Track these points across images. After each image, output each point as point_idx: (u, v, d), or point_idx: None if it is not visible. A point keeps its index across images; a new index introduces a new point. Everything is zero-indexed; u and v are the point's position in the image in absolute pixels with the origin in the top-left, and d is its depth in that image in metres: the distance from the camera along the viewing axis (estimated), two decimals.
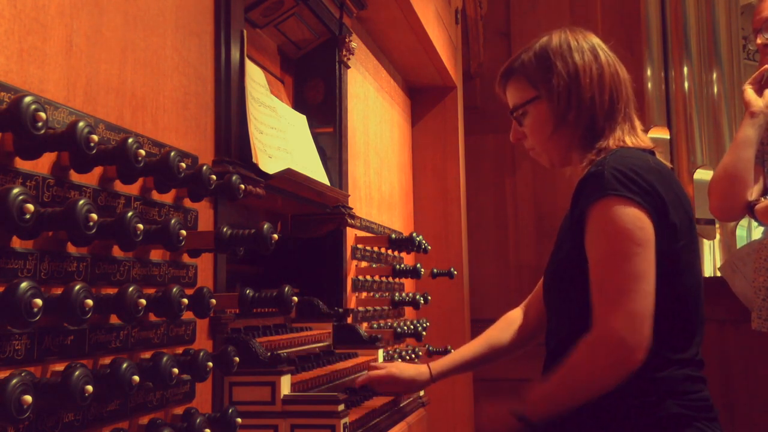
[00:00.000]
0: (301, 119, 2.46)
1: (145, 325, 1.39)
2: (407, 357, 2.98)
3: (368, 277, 2.86)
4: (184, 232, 1.31)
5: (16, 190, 1.00)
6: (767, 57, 2.70)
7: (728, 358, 4.10)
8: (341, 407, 1.74)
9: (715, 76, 4.87)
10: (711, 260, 4.67)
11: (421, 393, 2.54)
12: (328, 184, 2.45)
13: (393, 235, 2.99)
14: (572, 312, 1.64)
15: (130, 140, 1.22)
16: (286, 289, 1.59)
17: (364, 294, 2.83)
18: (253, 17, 2.26)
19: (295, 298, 1.60)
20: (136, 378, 1.18)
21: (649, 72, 4.74)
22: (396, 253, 3.22)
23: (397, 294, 3.12)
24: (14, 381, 0.96)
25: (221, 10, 1.74)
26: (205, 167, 1.43)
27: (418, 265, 3.02)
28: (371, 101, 3.18)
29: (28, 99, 1.03)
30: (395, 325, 3.04)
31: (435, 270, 3.30)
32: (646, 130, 4.73)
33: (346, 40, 2.61)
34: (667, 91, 4.81)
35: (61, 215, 1.07)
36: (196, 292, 1.41)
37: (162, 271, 1.45)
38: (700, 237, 4.54)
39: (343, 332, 2.43)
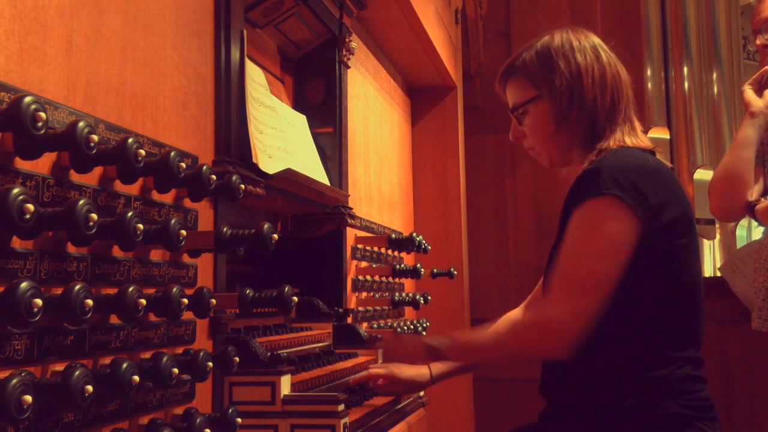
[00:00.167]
0: (301, 119, 2.46)
1: (145, 325, 1.39)
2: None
3: (368, 277, 2.86)
4: (184, 232, 1.31)
5: (16, 190, 1.00)
6: (767, 58, 2.70)
7: (728, 358, 4.10)
8: (341, 407, 1.74)
9: (715, 76, 4.87)
10: (711, 260, 4.67)
11: (421, 393, 2.54)
12: (328, 184, 2.45)
13: (393, 235, 2.99)
14: None
15: (130, 140, 1.22)
16: (286, 289, 1.59)
17: (364, 294, 2.83)
18: (253, 17, 2.26)
19: (295, 298, 1.60)
20: (136, 378, 1.18)
21: (649, 72, 4.73)
22: (396, 253, 3.22)
23: (397, 294, 3.12)
24: (14, 381, 0.96)
25: (221, 10, 1.74)
26: (205, 167, 1.43)
27: (418, 265, 3.02)
28: (371, 101, 3.18)
29: (28, 99, 1.03)
30: (395, 325, 3.03)
31: (435, 270, 3.30)
32: (646, 130, 4.74)
33: (346, 40, 2.61)
34: (667, 91, 4.80)
35: (61, 215, 1.07)
36: (196, 292, 1.41)
37: (162, 271, 1.45)
38: (700, 237, 4.56)
39: (343, 332, 2.43)
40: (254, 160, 1.84)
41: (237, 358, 1.51)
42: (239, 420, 1.53)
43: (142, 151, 1.23)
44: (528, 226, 4.88)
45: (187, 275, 1.55)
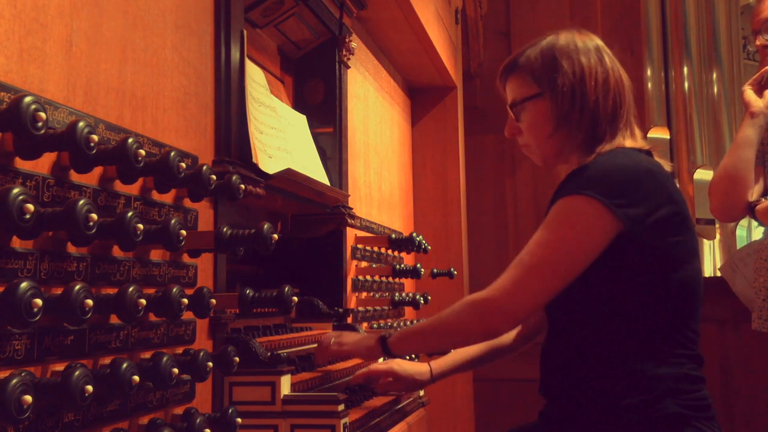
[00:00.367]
0: (301, 119, 2.46)
1: (145, 325, 1.39)
2: (407, 356, 2.98)
3: (368, 277, 2.86)
4: (184, 232, 1.31)
5: (16, 190, 1.00)
6: (767, 58, 2.70)
7: (728, 358, 4.10)
8: (341, 407, 1.74)
9: (715, 76, 4.87)
10: (711, 260, 4.67)
11: (421, 393, 2.54)
12: (328, 184, 2.45)
13: (393, 235, 2.99)
14: (570, 311, 1.64)
15: (130, 140, 1.22)
16: (286, 289, 1.59)
17: (364, 294, 2.83)
18: (253, 17, 2.26)
19: (295, 298, 1.60)
20: (136, 378, 1.18)
21: (649, 72, 4.74)
22: (396, 253, 3.22)
23: (397, 294, 3.12)
24: (14, 381, 0.96)
25: (221, 10, 1.74)
26: (205, 167, 1.43)
27: (418, 265, 3.02)
28: (371, 101, 3.18)
29: (28, 99, 1.03)
30: (395, 325, 3.04)
31: (435, 270, 3.30)
32: (646, 130, 4.74)
33: (346, 40, 2.61)
34: (667, 91, 4.80)
35: (61, 215, 1.07)
36: (196, 292, 1.41)
37: (162, 271, 1.45)
38: (700, 237, 4.57)
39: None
40: (254, 160, 1.84)
41: (237, 358, 1.51)
42: (239, 420, 1.53)
43: (142, 151, 1.23)
44: (528, 227, 4.88)
45: (187, 275, 1.55)
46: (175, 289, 1.28)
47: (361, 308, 2.76)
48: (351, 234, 2.70)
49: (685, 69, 4.79)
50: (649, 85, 4.73)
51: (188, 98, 1.59)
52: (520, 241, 4.87)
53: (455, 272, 3.35)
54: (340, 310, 2.49)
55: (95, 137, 1.14)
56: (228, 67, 1.75)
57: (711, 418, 1.57)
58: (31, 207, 1.00)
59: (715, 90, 4.87)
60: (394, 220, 3.50)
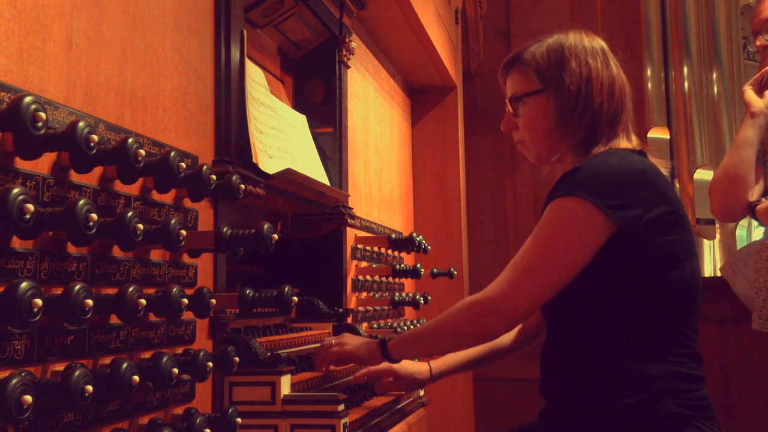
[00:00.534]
0: (301, 119, 2.46)
1: (145, 325, 1.39)
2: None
3: (368, 277, 2.86)
4: (184, 232, 1.31)
5: (16, 190, 1.00)
6: (767, 58, 2.70)
7: (728, 358, 4.11)
8: (341, 407, 1.74)
9: (715, 76, 4.87)
10: (711, 260, 4.67)
11: (421, 393, 2.54)
12: (328, 184, 2.45)
13: (393, 235, 2.99)
14: (568, 311, 1.64)
15: (130, 140, 1.22)
16: (286, 289, 1.59)
17: (364, 294, 2.83)
18: (253, 17, 2.26)
19: (295, 298, 1.60)
20: (136, 378, 1.18)
21: (649, 72, 4.74)
22: (396, 253, 3.22)
23: (397, 294, 3.12)
24: (14, 381, 0.96)
25: (221, 10, 1.74)
26: (205, 167, 1.43)
27: (418, 265, 3.02)
28: (371, 101, 3.18)
29: (28, 99, 1.03)
30: (395, 325, 3.03)
31: (435, 270, 3.30)
32: (646, 131, 4.74)
33: (346, 40, 2.61)
34: (667, 91, 4.80)
35: (61, 215, 1.07)
36: (196, 292, 1.41)
37: (162, 271, 1.45)
38: (700, 237, 4.57)
39: (343, 332, 2.43)
40: (254, 160, 1.84)
41: (237, 358, 1.51)
42: (239, 420, 1.53)
43: (142, 151, 1.23)
44: (528, 227, 4.85)
45: (187, 275, 1.55)
46: (175, 289, 1.28)
47: (361, 308, 2.76)
48: (351, 234, 2.70)
49: (685, 69, 4.79)
50: (649, 85, 4.73)
51: (188, 98, 1.59)
52: (520, 241, 4.85)
53: (455, 272, 3.35)
54: (340, 310, 2.49)
55: (95, 137, 1.13)
56: (228, 67, 1.75)
57: (710, 417, 1.57)
58: (31, 207, 1.00)
59: (715, 90, 4.87)
60: (394, 220, 3.50)
